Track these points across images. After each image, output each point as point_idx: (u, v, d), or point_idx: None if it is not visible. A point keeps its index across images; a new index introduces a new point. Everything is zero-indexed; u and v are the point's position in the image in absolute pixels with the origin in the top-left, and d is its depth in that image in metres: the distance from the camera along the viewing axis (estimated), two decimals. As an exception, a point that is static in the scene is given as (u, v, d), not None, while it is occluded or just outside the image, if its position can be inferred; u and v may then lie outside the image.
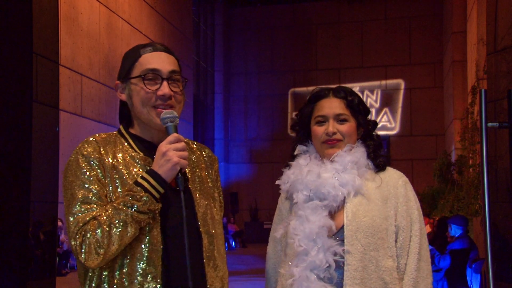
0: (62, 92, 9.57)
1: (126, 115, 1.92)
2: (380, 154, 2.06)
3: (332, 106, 2.03)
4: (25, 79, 4.88)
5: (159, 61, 1.83)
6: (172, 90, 1.81)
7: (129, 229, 1.68)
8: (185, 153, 1.75)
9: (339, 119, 2.02)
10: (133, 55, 1.86)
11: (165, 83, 1.80)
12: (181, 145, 1.74)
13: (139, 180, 1.72)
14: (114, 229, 1.66)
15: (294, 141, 2.15)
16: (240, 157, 22.07)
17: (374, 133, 2.10)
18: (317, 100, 2.07)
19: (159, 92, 1.80)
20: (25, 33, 4.84)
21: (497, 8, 4.81)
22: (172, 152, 1.72)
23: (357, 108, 2.04)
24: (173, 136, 1.75)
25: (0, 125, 4.71)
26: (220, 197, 2.03)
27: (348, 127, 2.02)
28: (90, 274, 1.76)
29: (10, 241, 4.71)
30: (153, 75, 1.81)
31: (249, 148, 22.04)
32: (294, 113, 21.39)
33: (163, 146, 1.73)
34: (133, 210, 1.68)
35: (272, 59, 21.95)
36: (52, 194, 5.32)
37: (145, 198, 1.69)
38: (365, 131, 2.08)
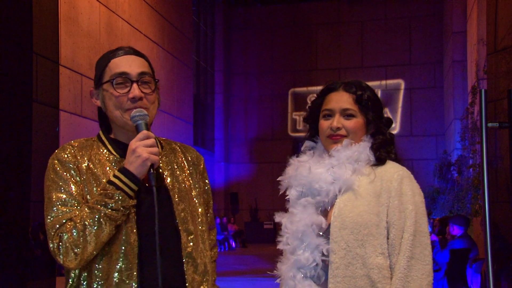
0: (62, 92, 9.56)
1: (105, 120, 1.95)
2: (387, 149, 1.99)
3: (340, 100, 1.97)
4: (25, 79, 4.88)
5: (127, 64, 1.85)
6: (142, 92, 1.83)
7: (104, 227, 1.70)
8: (155, 149, 1.76)
9: (346, 114, 1.96)
10: (103, 61, 1.89)
11: (134, 85, 1.83)
12: (150, 141, 1.76)
13: (111, 178, 1.75)
14: (89, 228, 1.69)
15: (306, 134, 2.11)
16: (240, 157, 22.06)
17: (388, 132, 2.02)
18: (327, 93, 2.02)
19: (129, 95, 1.82)
20: (25, 33, 4.84)
21: (497, 8, 4.81)
22: (141, 149, 1.74)
23: (366, 104, 1.97)
24: (142, 133, 1.77)
25: (0, 125, 4.70)
26: (206, 194, 2.04)
27: (354, 123, 1.96)
28: (72, 274, 1.80)
29: (10, 241, 4.71)
30: (122, 79, 1.83)
31: (249, 148, 22.03)
32: (294, 113, 21.40)
33: (132, 144, 1.76)
34: (106, 208, 1.70)
35: (272, 59, 21.93)
36: (52, 194, 5.31)
37: (117, 195, 1.71)
38: (376, 128, 2.00)
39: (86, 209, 1.71)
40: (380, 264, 1.85)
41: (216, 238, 2.13)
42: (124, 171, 1.74)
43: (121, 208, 1.71)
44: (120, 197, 1.71)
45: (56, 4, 5.30)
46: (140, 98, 1.82)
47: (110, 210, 1.70)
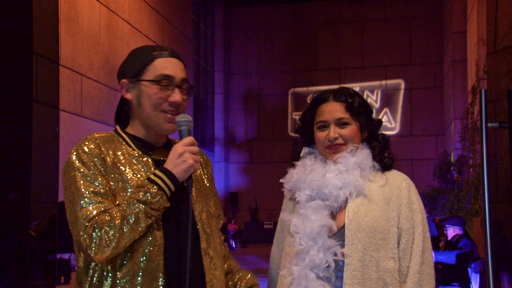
0: (62, 92, 9.57)
1: (124, 113, 1.94)
2: (386, 156, 2.05)
3: (332, 110, 2.02)
4: (25, 79, 4.87)
5: (173, 67, 1.86)
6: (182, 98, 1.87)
7: (141, 224, 1.70)
8: (198, 157, 1.81)
9: (340, 123, 2.01)
10: (145, 57, 1.87)
11: (177, 90, 1.85)
12: (196, 148, 1.81)
13: (153, 177, 1.75)
14: (127, 224, 1.69)
15: (300, 143, 2.15)
16: (240, 157, 22.06)
17: (379, 132, 2.09)
18: (318, 105, 2.07)
19: (171, 99, 1.84)
20: (25, 33, 4.84)
21: (497, 8, 4.81)
22: (189, 155, 1.77)
23: (358, 111, 2.03)
24: (189, 139, 1.81)
25: (0, 125, 4.71)
26: (215, 197, 2.07)
27: (350, 130, 2.01)
28: (91, 269, 1.76)
29: (10, 241, 4.71)
30: (168, 82, 1.84)
31: (249, 148, 22.04)
32: (294, 113, 21.41)
33: (179, 147, 1.78)
34: (147, 206, 1.71)
35: (272, 59, 21.94)
36: (52, 194, 5.31)
37: (159, 196, 1.73)
38: (370, 132, 2.07)
39: (124, 203, 1.71)
40: (391, 267, 1.91)
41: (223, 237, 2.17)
42: (167, 172, 1.76)
43: (159, 208, 1.73)
44: (161, 197, 1.73)
45: (56, 4, 5.30)
46: (180, 104, 1.86)
47: (149, 208, 1.71)
